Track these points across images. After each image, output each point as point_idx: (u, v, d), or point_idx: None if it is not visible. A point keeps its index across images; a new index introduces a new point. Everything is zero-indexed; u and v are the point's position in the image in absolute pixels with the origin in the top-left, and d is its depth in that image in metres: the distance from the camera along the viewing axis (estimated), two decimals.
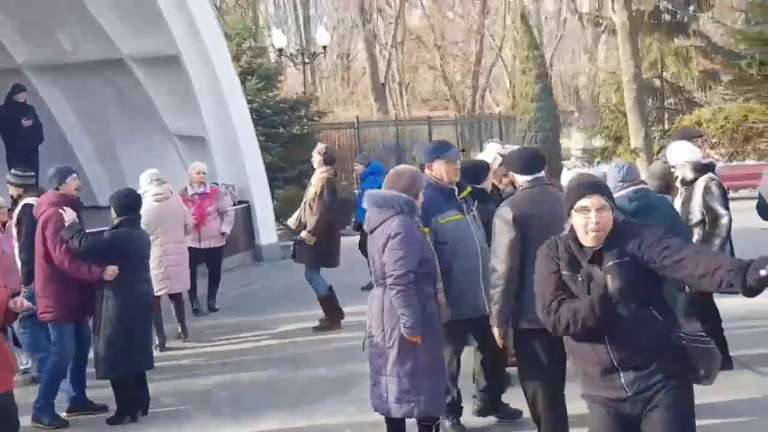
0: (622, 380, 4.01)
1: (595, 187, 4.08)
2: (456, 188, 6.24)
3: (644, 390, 4.00)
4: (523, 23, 23.75)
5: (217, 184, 14.85)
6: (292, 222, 10.31)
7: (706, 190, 7.46)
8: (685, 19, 23.14)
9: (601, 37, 28.86)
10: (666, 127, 22.58)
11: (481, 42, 46.29)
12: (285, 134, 21.54)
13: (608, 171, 6.87)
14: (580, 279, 4.05)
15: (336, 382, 7.88)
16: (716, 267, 3.76)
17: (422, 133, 36.24)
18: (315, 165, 10.10)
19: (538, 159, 5.98)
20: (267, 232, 16.22)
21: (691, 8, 23.17)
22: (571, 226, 4.11)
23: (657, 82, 23.37)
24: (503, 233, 5.54)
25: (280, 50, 25.74)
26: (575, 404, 5.00)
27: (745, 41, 22.76)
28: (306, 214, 9.81)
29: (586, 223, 3.98)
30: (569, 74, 49.28)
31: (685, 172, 7.63)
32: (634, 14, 20.90)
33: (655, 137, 21.47)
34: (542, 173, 5.95)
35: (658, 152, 9.31)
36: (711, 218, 7.40)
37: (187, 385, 8.15)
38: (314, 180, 9.95)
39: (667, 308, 4.19)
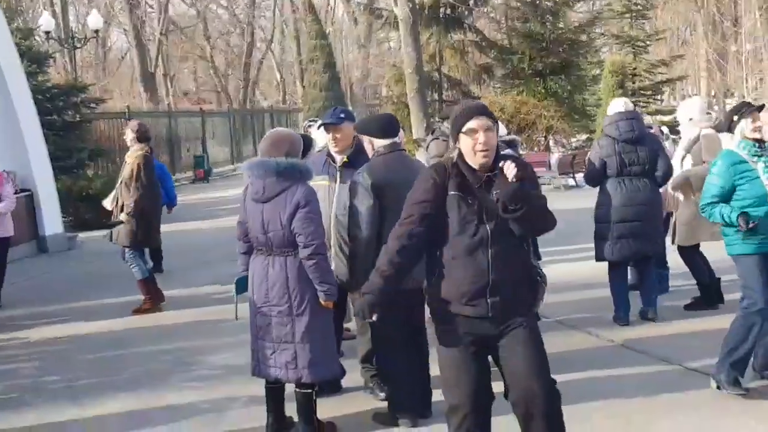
0: (489, 302, 4.17)
1: (481, 109, 4.27)
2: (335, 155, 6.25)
3: (503, 314, 4.20)
4: (311, 12, 23.79)
5: None
6: (108, 203, 9.71)
7: None
8: (466, 12, 24.01)
9: (378, 30, 29.40)
10: None
11: (252, 34, 46.02)
12: (59, 122, 20.44)
13: None
14: (470, 201, 4.18)
15: (175, 361, 7.51)
16: None
17: (195, 125, 35.64)
18: (128, 143, 9.54)
19: (395, 123, 6.01)
20: (52, 222, 15.22)
21: (471, 2, 24.09)
22: (458, 150, 4.24)
23: (436, 75, 24.13)
24: (362, 200, 5.57)
25: (48, 33, 24.39)
26: None
27: (517, 38, 24.03)
28: (122, 194, 9.26)
29: (474, 144, 4.16)
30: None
31: None
32: (415, 7, 21.42)
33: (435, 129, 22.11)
34: (398, 138, 5.98)
35: (432, 132, 9.72)
36: None
37: (12, 374, 7.44)
38: (129, 158, 9.35)
39: (534, 243, 4.48)
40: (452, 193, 4.21)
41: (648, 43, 24.76)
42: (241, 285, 5.74)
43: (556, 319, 8.11)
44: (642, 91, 22.79)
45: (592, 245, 8.11)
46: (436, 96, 24.16)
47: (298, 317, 5.42)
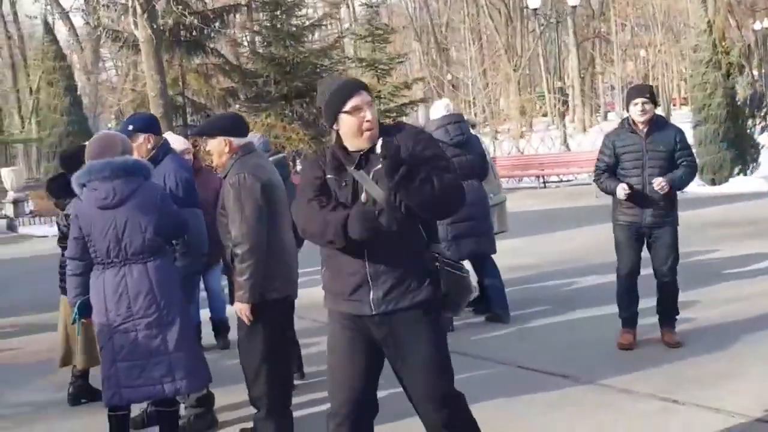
0: (371, 296, 3.80)
1: (360, 84, 3.93)
2: None
3: (391, 313, 3.82)
4: (48, 32, 22.22)
5: None
6: None
7: None
8: (212, 34, 23.47)
9: (119, 53, 28.16)
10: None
11: None
12: None
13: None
14: (344, 183, 3.82)
15: None
16: None
17: None
18: None
19: (245, 121, 5.62)
20: None
21: (217, 24, 23.62)
22: (336, 134, 3.88)
23: (180, 99, 23.37)
24: (250, 202, 5.02)
25: None
26: None
27: (261, 61, 23.79)
28: None
29: (361, 122, 3.78)
30: None
31: None
32: (157, 29, 20.62)
33: None
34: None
35: None
36: None
37: None
38: None
39: (431, 224, 4.02)
40: (328, 176, 3.84)
41: (391, 66, 25.42)
42: (83, 310, 5.09)
43: None
44: (387, 114, 23.27)
45: None
46: (181, 121, 23.38)
47: (168, 326, 4.93)
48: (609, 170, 6.83)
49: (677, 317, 6.99)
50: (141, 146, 5.76)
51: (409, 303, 3.83)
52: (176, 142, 7.51)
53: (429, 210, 3.83)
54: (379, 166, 3.75)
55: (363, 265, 3.79)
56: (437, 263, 3.88)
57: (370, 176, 3.80)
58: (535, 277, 10.07)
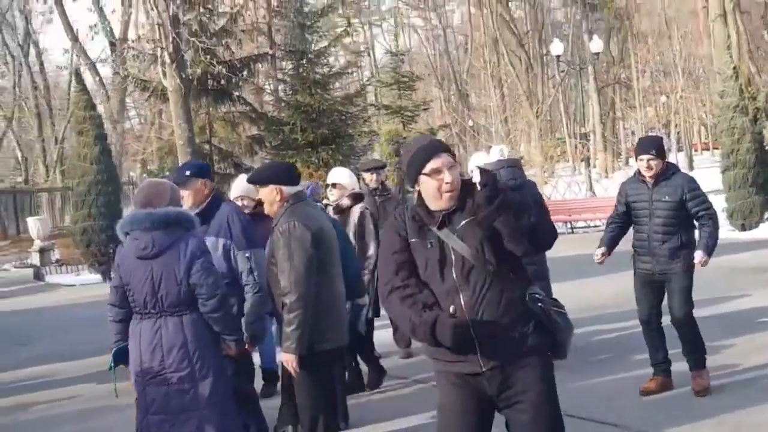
0: (479, 354, 3.74)
1: (440, 146, 3.89)
2: None
3: (500, 366, 3.76)
4: (78, 82, 22.47)
5: None
6: None
7: (362, 217, 7.74)
8: (239, 83, 23.63)
9: (145, 102, 28.55)
10: None
11: None
12: None
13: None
14: (429, 245, 3.80)
15: None
16: None
17: None
18: None
19: (297, 169, 5.60)
20: None
21: (244, 73, 23.79)
22: (418, 194, 3.87)
23: (206, 147, 23.48)
24: (299, 251, 4.99)
25: None
26: None
27: (287, 109, 23.90)
28: None
29: (440, 185, 3.78)
30: None
31: (342, 200, 7.83)
32: (187, 78, 20.79)
33: None
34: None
35: None
36: (360, 247, 7.65)
37: None
38: None
39: (520, 269, 3.92)
40: (412, 240, 3.83)
41: (416, 113, 25.51)
42: (120, 356, 5.06)
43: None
44: None
45: None
46: None
47: (200, 381, 4.87)
48: (618, 221, 7.14)
49: (705, 361, 6.92)
50: (199, 191, 5.85)
51: (518, 352, 3.78)
52: (238, 185, 7.52)
53: (523, 240, 3.73)
54: (464, 222, 3.76)
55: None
56: (540, 305, 3.82)
57: (455, 234, 3.78)
58: (575, 324, 9.93)
